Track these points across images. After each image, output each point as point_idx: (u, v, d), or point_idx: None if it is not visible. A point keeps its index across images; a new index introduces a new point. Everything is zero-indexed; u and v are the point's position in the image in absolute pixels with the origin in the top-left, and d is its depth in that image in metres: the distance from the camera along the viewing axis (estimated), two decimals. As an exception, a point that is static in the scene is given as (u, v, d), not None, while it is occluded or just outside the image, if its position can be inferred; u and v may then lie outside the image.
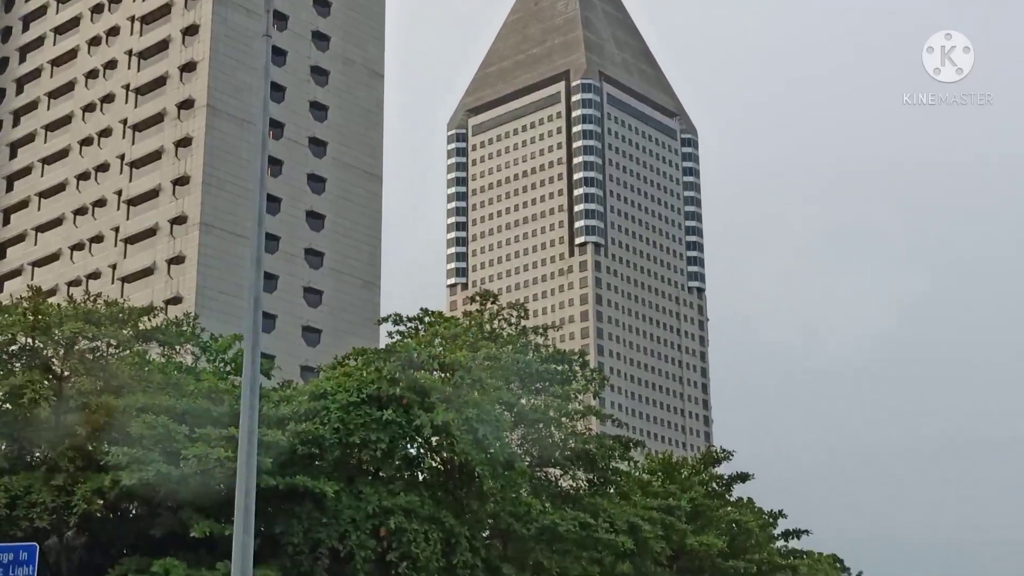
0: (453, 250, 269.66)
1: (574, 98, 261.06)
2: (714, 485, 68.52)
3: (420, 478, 47.75)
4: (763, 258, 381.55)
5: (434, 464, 48.56)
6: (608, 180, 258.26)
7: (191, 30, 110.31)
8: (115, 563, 40.39)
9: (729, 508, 67.99)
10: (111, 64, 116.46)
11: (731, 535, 63.27)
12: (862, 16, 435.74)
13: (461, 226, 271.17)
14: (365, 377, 46.67)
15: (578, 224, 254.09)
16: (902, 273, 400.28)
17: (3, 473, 41.28)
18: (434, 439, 46.60)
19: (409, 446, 46.64)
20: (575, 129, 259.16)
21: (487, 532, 47.86)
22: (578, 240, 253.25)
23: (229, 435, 38.46)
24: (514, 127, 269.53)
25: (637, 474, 62.30)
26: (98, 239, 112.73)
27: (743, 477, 68.14)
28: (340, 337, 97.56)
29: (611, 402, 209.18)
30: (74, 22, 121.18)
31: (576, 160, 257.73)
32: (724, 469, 69.26)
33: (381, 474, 45.48)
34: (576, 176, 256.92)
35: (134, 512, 44.11)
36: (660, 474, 66.81)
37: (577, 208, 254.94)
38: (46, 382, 42.81)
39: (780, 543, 70.60)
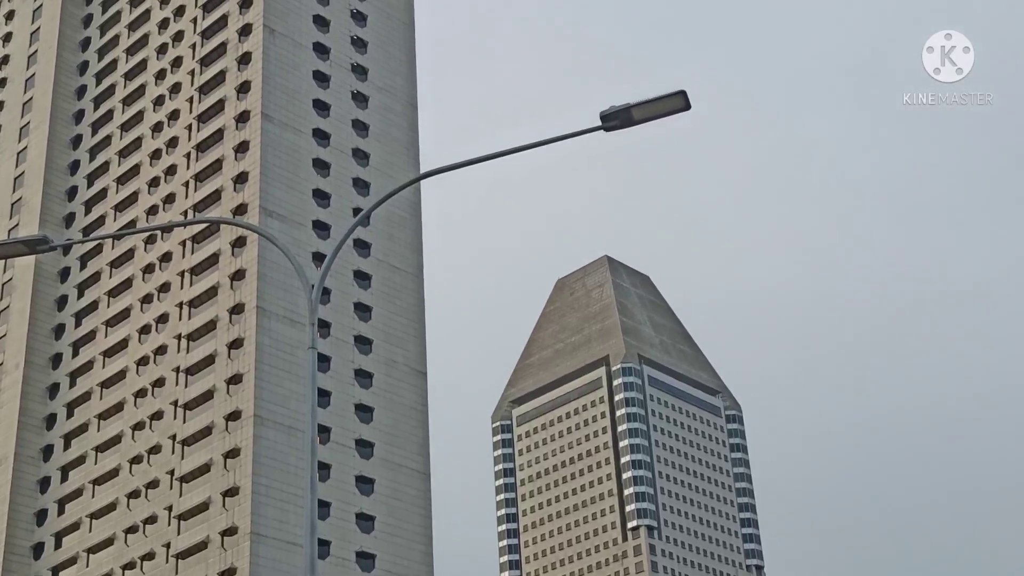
0: (505, 543, 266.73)
1: (616, 382, 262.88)
2: None
3: None
4: (819, 532, 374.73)
5: None
6: (656, 462, 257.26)
7: (236, 344, 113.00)
8: None
9: None
10: (159, 382, 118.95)
11: None
12: (862, 16, 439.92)
13: (511, 517, 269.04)
14: None
15: (629, 508, 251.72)
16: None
17: None
18: None
19: None
20: (619, 413, 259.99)
21: None
22: (631, 524, 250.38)
23: None
24: (558, 415, 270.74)
25: None
26: (152, 520, 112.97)
27: None
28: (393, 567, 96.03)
29: None
30: (123, 344, 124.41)
31: (623, 443, 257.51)
32: None
33: None
34: (624, 459, 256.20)
35: None
36: None
37: (627, 492, 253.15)
38: None
39: None
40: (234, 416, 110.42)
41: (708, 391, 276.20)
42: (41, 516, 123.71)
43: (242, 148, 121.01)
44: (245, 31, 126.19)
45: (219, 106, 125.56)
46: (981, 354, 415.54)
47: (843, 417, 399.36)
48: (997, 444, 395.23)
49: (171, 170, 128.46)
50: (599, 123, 21.37)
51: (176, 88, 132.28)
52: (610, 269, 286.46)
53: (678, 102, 20.88)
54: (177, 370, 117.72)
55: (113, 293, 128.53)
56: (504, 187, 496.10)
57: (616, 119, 21.19)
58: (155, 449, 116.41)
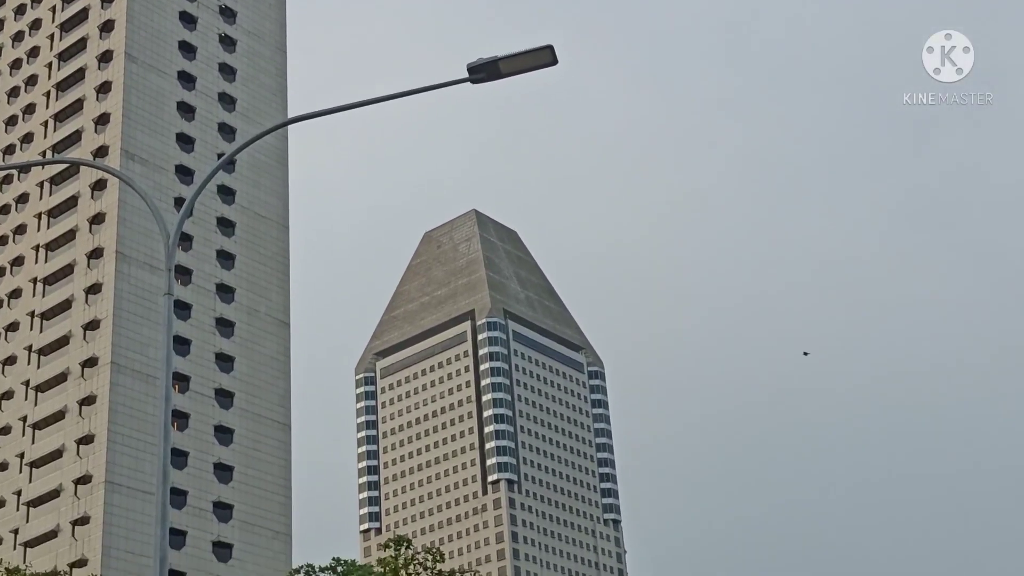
0: (365, 495, 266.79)
1: (480, 336, 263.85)
2: None
3: None
4: (675, 482, 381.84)
5: None
6: (518, 416, 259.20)
7: (94, 288, 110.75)
8: None
9: None
10: (13, 326, 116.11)
11: None
12: (862, 16, 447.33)
13: (373, 470, 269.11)
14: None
15: (490, 462, 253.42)
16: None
17: None
18: None
19: None
20: (483, 367, 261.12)
21: None
22: (491, 478, 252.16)
23: None
24: (422, 368, 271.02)
25: None
26: (0, 504, 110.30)
27: None
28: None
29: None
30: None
31: (486, 398, 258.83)
32: None
33: None
34: (486, 413, 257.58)
35: None
36: None
37: (488, 446, 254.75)
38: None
39: None
40: (90, 363, 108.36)
41: (572, 347, 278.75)
42: None
43: (104, 88, 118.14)
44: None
45: (81, 44, 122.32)
46: (844, 316, 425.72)
47: (702, 376, 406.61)
48: (854, 391, 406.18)
49: (29, 109, 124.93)
50: (467, 75, 21.21)
51: (36, 24, 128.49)
52: (478, 223, 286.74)
53: (545, 56, 20.80)
54: (32, 314, 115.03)
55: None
56: (373, 140, 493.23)
57: (483, 72, 21.04)
58: (7, 395, 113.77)
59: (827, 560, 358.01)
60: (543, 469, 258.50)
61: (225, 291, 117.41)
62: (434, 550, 65.99)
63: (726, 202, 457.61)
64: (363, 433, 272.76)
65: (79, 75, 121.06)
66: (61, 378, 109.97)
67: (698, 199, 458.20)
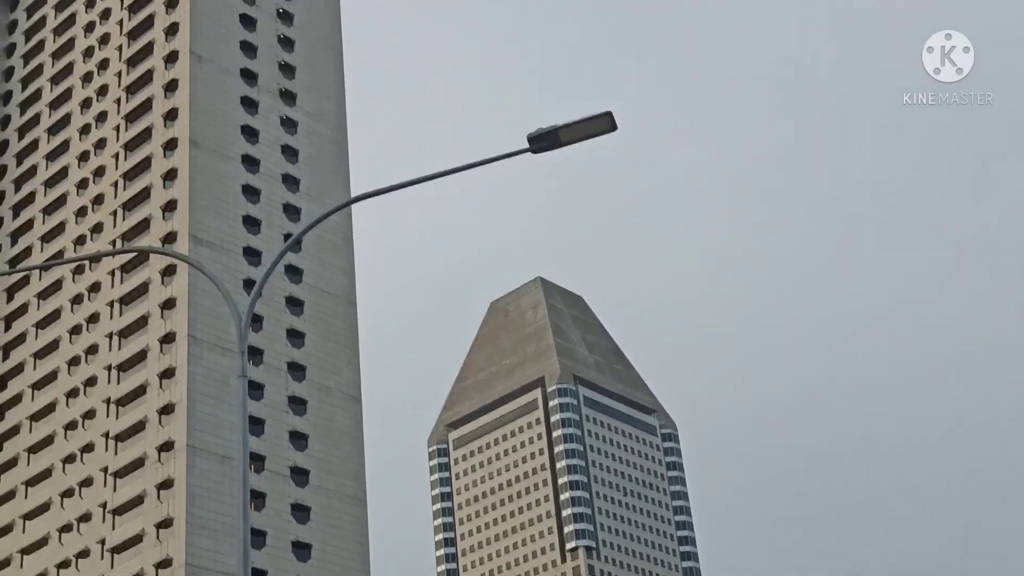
0: (444, 567, 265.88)
1: (551, 403, 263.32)
2: None
3: None
4: (757, 543, 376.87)
5: None
6: (594, 482, 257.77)
7: (168, 373, 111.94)
8: None
9: None
10: (90, 414, 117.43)
11: None
12: (862, 16, 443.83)
13: (450, 542, 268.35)
14: None
15: (568, 529, 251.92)
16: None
17: None
18: None
19: None
20: (555, 434, 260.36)
21: None
22: (569, 545, 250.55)
23: None
24: (495, 437, 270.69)
25: None
26: (86, 518, 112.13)
27: None
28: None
29: None
30: (52, 376, 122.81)
31: (560, 464, 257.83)
32: None
33: None
34: (561, 480, 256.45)
35: None
36: None
37: (565, 513, 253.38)
38: None
39: None
40: (166, 447, 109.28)
41: (643, 410, 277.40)
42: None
43: (170, 176, 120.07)
44: (171, 58, 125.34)
45: (146, 134, 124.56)
46: (919, 368, 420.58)
47: (778, 430, 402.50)
48: (940, 446, 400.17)
49: (98, 199, 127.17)
50: (527, 145, 21.44)
51: (102, 117, 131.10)
52: (543, 290, 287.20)
53: (605, 123, 21.01)
54: (108, 401, 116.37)
55: (41, 325, 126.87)
56: (435, 211, 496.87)
57: (544, 141, 21.27)
58: (87, 482, 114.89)
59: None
60: (621, 535, 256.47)
61: (296, 369, 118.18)
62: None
63: (786, 251, 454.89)
64: (438, 505, 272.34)
65: (145, 164, 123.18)
66: (139, 463, 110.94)
67: (758, 250, 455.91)
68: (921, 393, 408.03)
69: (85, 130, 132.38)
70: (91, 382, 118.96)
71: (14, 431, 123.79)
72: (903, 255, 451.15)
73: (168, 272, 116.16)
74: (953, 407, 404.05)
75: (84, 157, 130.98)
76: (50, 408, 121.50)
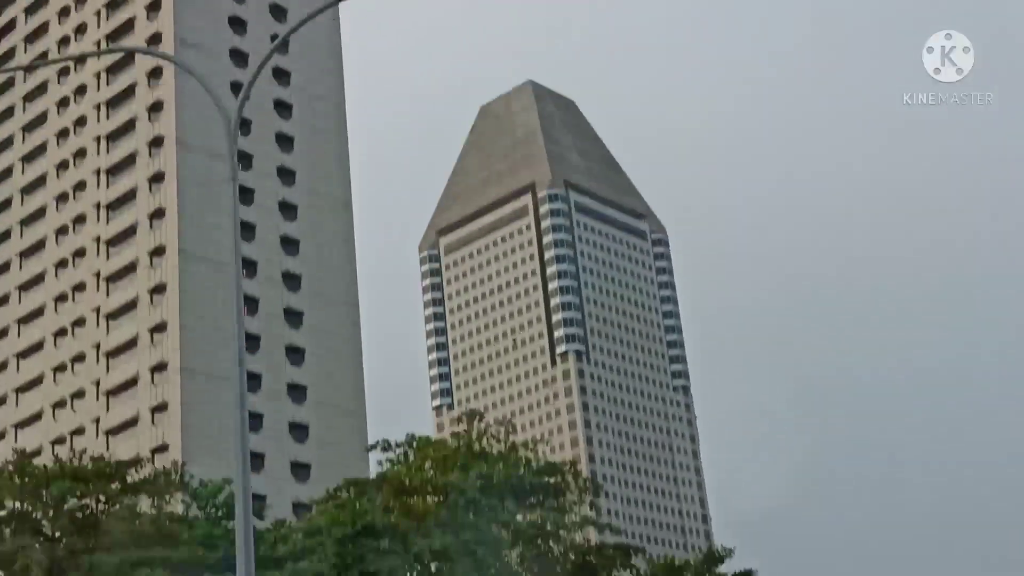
0: (436, 371, 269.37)
1: (542, 209, 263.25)
2: (718, 585, 67.72)
3: (422, 606, 47.26)
4: (743, 347, 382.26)
5: (436, 591, 48.09)
6: (584, 287, 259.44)
7: (157, 178, 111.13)
8: None
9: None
10: (80, 218, 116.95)
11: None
12: (862, 16, 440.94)
13: (442, 347, 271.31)
14: (359, 508, 46.48)
15: (558, 334, 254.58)
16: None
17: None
18: (433, 565, 46.26)
19: (409, 574, 46.26)
20: (546, 240, 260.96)
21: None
22: (559, 349, 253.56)
23: (227, 582, 38.01)
24: (485, 243, 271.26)
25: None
26: (79, 394, 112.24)
27: (746, 574, 67.40)
28: (330, 470, 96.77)
29: (607, 509, 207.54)
30: (41, 180, 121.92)
31: (550, 270, 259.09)
32: (727, 567, 68.60)
33: (382, 606, 44.96)
34: (551, 286, 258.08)
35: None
36: (663, 579, 66.09)
37: (555, 318, 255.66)
38: (37, 546, 42.40)
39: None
40: (158, 252, 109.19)
41: (635, 215, 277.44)
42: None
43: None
44: None
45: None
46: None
47: (768, 243, 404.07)
48: (935, 258, 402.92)
49: None
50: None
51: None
52: (534, 94, 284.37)
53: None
54: (97, 206, 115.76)
55: (28, 128, 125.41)
56: (427, 16, 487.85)
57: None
58: (79, 287, 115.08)
59: (887, 413, 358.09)
60: (610, 339, 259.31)
61: (286, 175, 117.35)
62: (507, 423, 66.21)
63: (791, 69, 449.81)
64: (430, 311, 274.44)
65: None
66: (131, 268, 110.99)
67: (759, 68, 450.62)
68: (919, 202, 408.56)
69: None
70: (80, 187, 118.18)
71: (3, 236, 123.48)
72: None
73: (154, 75, 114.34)
74: (949, 216, 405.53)
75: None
76: (40, 213, 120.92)
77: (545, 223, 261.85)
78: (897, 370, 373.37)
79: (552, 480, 54.73)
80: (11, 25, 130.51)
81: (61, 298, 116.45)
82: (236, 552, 18.86)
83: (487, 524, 48.70)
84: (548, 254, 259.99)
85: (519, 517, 53.73)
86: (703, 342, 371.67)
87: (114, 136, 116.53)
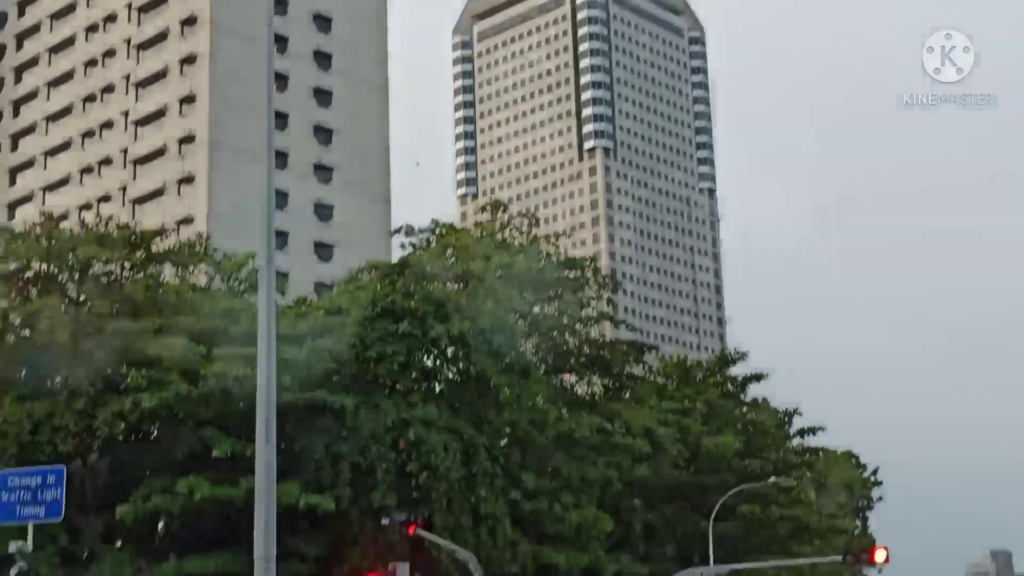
0: (462, 160, 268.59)
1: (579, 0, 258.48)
2: (729, 386, 68.89)
3: (437, 390, 48.16)
4: (773, 160, 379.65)
5: (451, 375, 48.96)
6: (616, 83, 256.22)
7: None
8: (139, 485, 40.91)
9: (744, 408, 68.47)
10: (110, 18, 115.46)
11: (747, 435, 63.86)
12: (862, 16, 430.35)
13: (470, 135, 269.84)
14: (379, 291, 46.95)
15: (587, 129, 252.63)
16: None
17: (25, 399, 41.73)
18: (450, 350, 46.96)
19: (426, 358, 47.03)
20: (581, 32, 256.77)
21: (505, 441, 48.36)
22: (587, 145, 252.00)
23: (247, 354, 38.67)
24: (520, 32, 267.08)
25: (652, 378, 62.74)
26: (107, 162, 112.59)
27: (757, 377, 68.37)
28: (353, 252, 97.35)
29: (624, 307, 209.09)
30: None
31: (583, 63, 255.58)
32: (738, 370, 69.61)
33: (398, 387, 45.88)
34: (584, 80, 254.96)
35: (156, 434, 44.61)
36: (675, 377, 67.20)
37: (585, 112, 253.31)
38: (62, 307, 43.08)
39: (796, 441, 71.17)
40: (190, 21, 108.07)
41: (672, 11, 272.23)
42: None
43: None
44: None
45: None
46: None
47: (811, 55, 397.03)
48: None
49: None
50: None
51: None
52: None
53: None
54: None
55: None
56: None
57: None
58: (109, 53, 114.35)
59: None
60: (640, 137, 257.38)
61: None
62: (530, 215, 66.34)
63: None
64: (460, 98, 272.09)
65: None
66: (161, 36, 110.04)
67: None
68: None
69: None
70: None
71: (34, 29, 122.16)
72: None
73: None
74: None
75: None
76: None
77: (581, 14, 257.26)
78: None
79: (572, 274, 55.12)
80: None
81: (91, 63, 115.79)
82: (258, 326, 19.14)
83: (505, 313, 49.23)
84: (582, 47, 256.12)
85: (536, 309, 54.30)
86: (733, 148, 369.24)
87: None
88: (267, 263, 19.47)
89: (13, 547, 20.26)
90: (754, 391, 69.44)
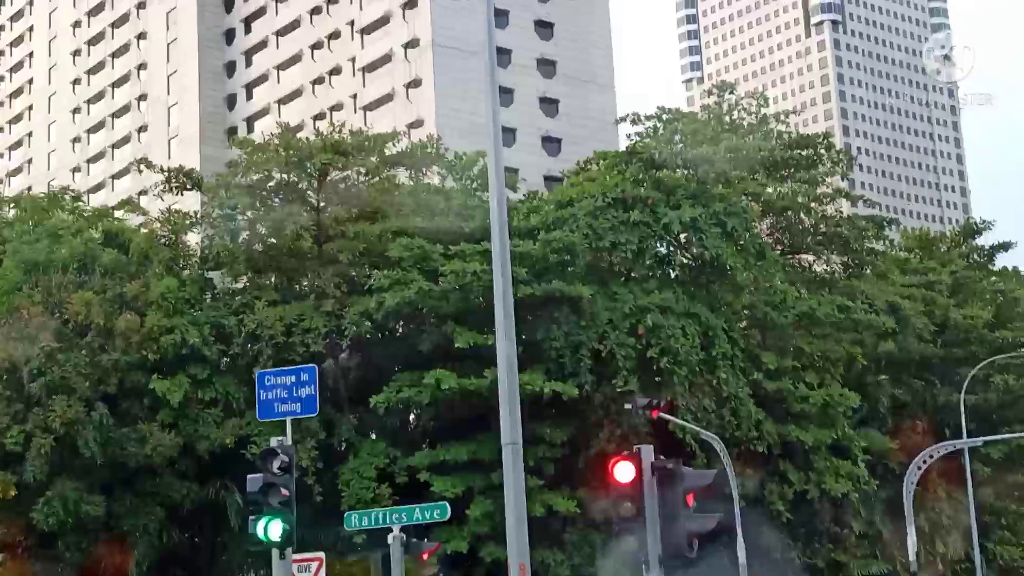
0: (686, 44, 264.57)
1: None
2: (975, 257, 66.89)
3: (672, 275, 48.13)
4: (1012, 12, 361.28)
5: (685, 260, 48.85)
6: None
7: None
8: (389, 379, 42.37)
9: (993, 278, 66.44)
10: None
11: (996, 305, 62.02)
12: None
13: (692, 18, 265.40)
14: (608, 181, 47.02)
15: (813, 2, 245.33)
16: None
17: (276, 303, 43.51)
18: (683, 236, 46.80)
19: (658, 245, 47.01)
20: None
21: (744, 323, 48.08)
22: (814, 19, 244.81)
23: (482, 249, 39.41)
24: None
25: (893, 253, 61.31)
26: (336, 71, 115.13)
27: (1005, 246, 66.10)
28: (580, 144, 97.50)
29: (861, 182, 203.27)
30: None
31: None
32: (985, 240, 67.44)
33: (633, 275, 46.01)
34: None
35: (401, 330, 46.02)
36: (917, 251, 65.61)
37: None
38: (304, 214, 44.55)
39: (1049, 309, 68.56)
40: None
41: None
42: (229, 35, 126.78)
43: None
44: None
45: None
46: None
47: None
48: None
49: None
50: None
51: None
52: None
53: None
54: None
55: None
56: None
57: None
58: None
59: None
60: (868, 7, 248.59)
61: None
62: (758, 95, 65.13)
63: None
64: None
65: None
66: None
67: None
68: None
69: None
70: None
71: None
72: None
73: None
74: None
75: None
76: None
77: None
78: None
79: (804, 152, 54.01)
80: None
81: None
82: (491, 222, 19.52)
83: (737, 196, 48.70)
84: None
85: (769, 190, 53.51)
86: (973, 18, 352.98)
87: None
88: (495, 163, 19.78)
89: (274, 442, 21.49)
90: (1002, 260, 67.23)
